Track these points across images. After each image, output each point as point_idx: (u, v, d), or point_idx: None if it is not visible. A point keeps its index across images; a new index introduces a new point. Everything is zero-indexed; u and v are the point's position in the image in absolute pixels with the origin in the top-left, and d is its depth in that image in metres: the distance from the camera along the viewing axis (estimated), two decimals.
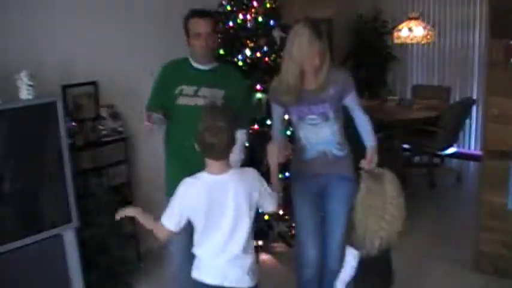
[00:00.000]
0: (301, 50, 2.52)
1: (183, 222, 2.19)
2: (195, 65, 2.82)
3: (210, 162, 2.18)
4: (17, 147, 2.81)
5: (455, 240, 4.10)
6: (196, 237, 2.23)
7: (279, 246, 3.99)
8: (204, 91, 2.77)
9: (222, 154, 2.16)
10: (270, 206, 2.31)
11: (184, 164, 2.75)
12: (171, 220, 2.17)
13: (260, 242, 3.84)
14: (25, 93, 2.89)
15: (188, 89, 2.77)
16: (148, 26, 3.92)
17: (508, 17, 3.22)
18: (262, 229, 3.77)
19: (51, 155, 2.93)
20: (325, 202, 2.83)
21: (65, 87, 3.44)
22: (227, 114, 2.19)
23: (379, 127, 5.16)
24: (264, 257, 3.94)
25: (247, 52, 3.65)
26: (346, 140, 2.79)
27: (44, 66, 3.25)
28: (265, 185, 2.29)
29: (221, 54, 3.75)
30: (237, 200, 2.15)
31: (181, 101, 2.77)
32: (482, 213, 3.51)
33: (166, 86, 2.81)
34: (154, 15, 3.96)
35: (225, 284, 2.20)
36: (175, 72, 2.85)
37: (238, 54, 3.67)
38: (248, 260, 2.24)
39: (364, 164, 2.62)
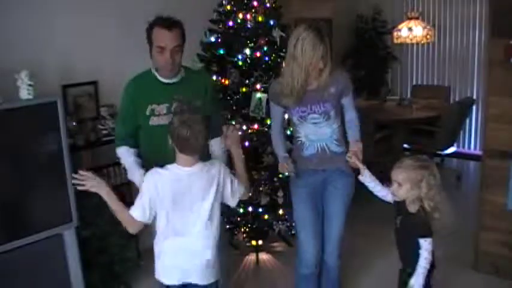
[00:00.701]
0: (306, 55, 2.55)
1: (152, 213, 2.19)
2: (162, 79, 2.61)
3: (181, 156, 2.20)
4: (17, 147, 2.81)
5: (455, 240, 4.09)
6: (160, 229, 2.23)
7: (279, 246, 3.99)
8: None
9: (195, 150, 2.18)
10: (232, 199, 2.36)
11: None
12: (139, 210, 2.17)
13: (260, 242, 3.84)
14: (25, 93, 2.89)
15: (160, 108, 2.58)
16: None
17: (508, 17, 3.22)
18: (262, 229, 3.77)
19: (52, 155, 2.93)
20: (324, 197, 2.86)
21: (65, 87, 3.44)
22: (198, 113, 2.20)
23: (379, 127, 5.22)
24: (264, 256, 3.94)
25: (247, 52, 3.64)
26: (344, 138, 2.83)
27: (44, 66, 3.25)
28: (232, 178, 2.33)
29: (221, 54, 3.75)
30: (201, 193, 2.20)
31: (155, 121, 2.59)
32: (483, 213, 3.51)
33: (136, 108, 2.61)
34: (154, 15, 3.95)
35: (185, 280, 2.24)
36: (141, 92, 2.62)
37: (238, 53, 3.67)
38: (208, 254, 2.25)
39: (349, 156, 2.66)
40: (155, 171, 2.21)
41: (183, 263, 2.25)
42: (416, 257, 2.35)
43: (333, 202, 2.83)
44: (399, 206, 2.47)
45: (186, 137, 2.12)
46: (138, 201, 2.19)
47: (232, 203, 2.38)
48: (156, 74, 2.62)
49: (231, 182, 2.33)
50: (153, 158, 2.51)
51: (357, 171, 2.70)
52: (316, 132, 2.74)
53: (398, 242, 2.53)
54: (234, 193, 2.35)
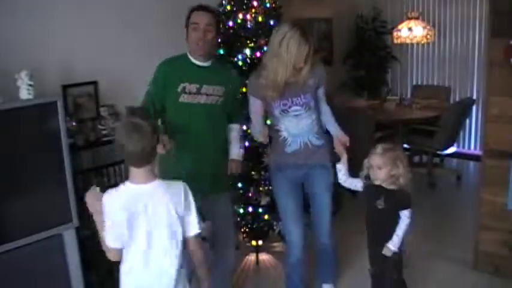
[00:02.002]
0: (290, 53, 2.65)
1: (121, 236, 2.01)
2: (195, 61, 2.81)
3: (132, 170, 2.02)
4: (17, 147, 2.81)
5: (456, 240, 4.10)
6: (123, 252, 2.07)
7: (279, 246, 3.98)
8: (207, 88, 2.79)
9: (144, 159, 1.99)
10: (189, 230, 2.11)
11: (185, 163, 2.75)
12: (110, 237, 2.01)
13: (260, 242, 3.84)
14: (25, 93, 2.89)
15: (191, 87, 2.77)
16: (149, 25, 3.92)
17: (508, 17, 3.22)
18: (262, 229, 3.77)
19: (51, 155, 2.93)
20: (308, 189, 3.03)
21: (65, 87, 3.44)
22: (147, 117, 2.04)
23: (379, 127, 5.22)
24: (264, 257, 3.94)
25: (247, 52, 3.64)
26: (322, 130, 2.97)
27: (44, 66, 3.25)
28: (192, 207, 2.12)
29: (221, 54, 3.75)
30: (159, 212, 2.00)
31: (184, 98, 2.77)
32: (482, 213, 3.51)
33: (168, 84, 2.79)
34: (154, 15, 3.96)
35: None
36: (175, 70, 2.82)
37: (238, 53, 3.66)
38: (172, 275, 2.07)
39: (336, 146, 2.88)
40: (109, 194, 2.01)
41: (147, 284, 2.09)
42: (394, 228, 2.63)
43: (320, 193, 3.00)
44: (377, 190, 2.66)
45: (131, 148, 1.95)
46: (107, 229, 2.01)
47: (189, 232, 2.12)
48: (190, 56, 2.81)
49: (192, 207, 2.12)
50: (178, 134, 2.73)
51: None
52: (297, 125, 2.83)
53: (379, 222, 2.70)
54: (186, 226, 2.10)
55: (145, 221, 2.00)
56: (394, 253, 2.63)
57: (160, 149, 2.43)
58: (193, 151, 2.79)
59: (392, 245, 2.62)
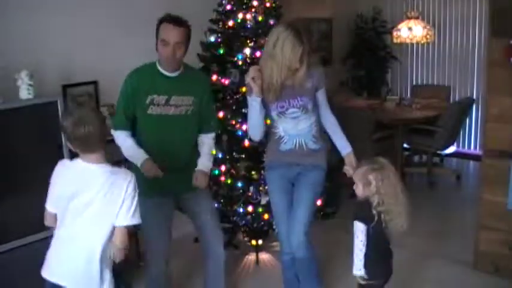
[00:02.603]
0: (285, 55, 2.63)
1: (59, 204, 2.16)
2: (164, 72, 2.75)
3: (84, 156, 2.14)
4: (17, 147, 2.81)
5: (455, 240, 4.10)
6: (58, 219, 2.20)
7: (279, 246, 3.98)
8: (175, 99, 2.76)
9: (94, 146, 2.11)
10: (123, 218, 2.16)
11: (161, 168, 2.74)
12: (51, 202, 2.19)
13: (260, 242, 3.84)
14: (25, 93, 2.89)
15: (159, 99, 2.73)
16: (149, 25, 3.89)
17: (508, 16, 3.22)
18: (262, 228, 3.77)
19: (51, 155, 2.92)
20: (295, 186, 2.96)
21: (65, 87, 3.44)
22: (94, 108, 2.24)
23: (379, 127, 5.22)
24: (264, 256, 3.94)
25: (247, 52, 3.64)
26: (321, 134, 2.92)
27: (44, 66, 3.25)
28: (131, 200, 2.17)
29: (221, 54, 3.75)
30: (101, 195, 2.10)
31: (153, 110, 2.73)
32: (482, 212, 3.51)
33: (136, 96, 2.74)
34: (154, 15, 3.94)
35: (58, 281, 2.15)
36: (143, 82, 2.75)
37: (238, 53, 3.67)
38: (96, 254, 2.14)
39: (348, 170, 2.77)
40: (63, 163, 2.21)
41: (63, 262, 2.18)
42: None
43: (301, 190, 2.91)
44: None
45: (83, 135, 2.05)
46: (50, 193, 2.19)
47: (122, 221, 2.16)
48: (159, 66, 2.75)
49: (131, 200, 2.17)
50: (148, 146, 2.74)
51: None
52: (295, 127, 2.82)
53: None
54: (126, 214, 2.16)
55: (83, 199, 2.10)
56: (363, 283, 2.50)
57: (148, 169, 2.63)
58: (164, 159, 2.76)
59: (354, 270, 2.48)
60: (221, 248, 3.02)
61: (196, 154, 2.94)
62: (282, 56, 2.63)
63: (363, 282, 2.51)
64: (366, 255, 2.47)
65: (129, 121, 2.79)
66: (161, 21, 2.69)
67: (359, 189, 2.53)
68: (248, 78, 2.69)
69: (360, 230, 2.47)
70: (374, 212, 2.45)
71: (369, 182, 2.46)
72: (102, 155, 2.15)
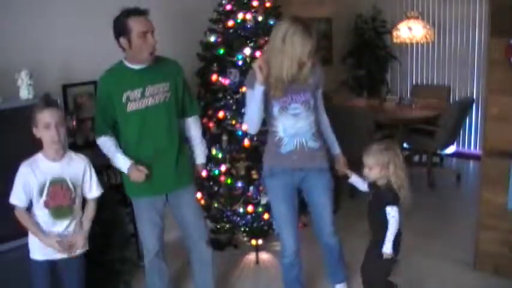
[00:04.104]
0: (295, 49, 2.62)
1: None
2: (132, 66, 2.75)
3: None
4: (17, 147, 2.80)
5: (455, 239, 4.10)
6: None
7: (279, 245, 3.98)
8: (150, 90, 2.75)
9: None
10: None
11: (147, 167, 2.80)
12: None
13: (260, 241, 3.84)
14: (25, 93, 2.89)
15: (134, 93, 2.73)
16: None
17: (508, 16, 3.22)
18: (262, 228, 3.77)
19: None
20: (306, 193, 2.99)
21: (65, 87, 3.44)
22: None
23: (379, 127, 5.22)
24: (264, 256, 3.94)
25: (247, 52, 3.64)
26: (319, 132, 2.95)
27: (44, 66, 3.25)
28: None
29: (221, 54, 3.75)
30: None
31: (131, 107, 2.73)
32: (482, 212, 3.51)
33: (112, 98, 2.74)
34: (154, 15, 3.95)
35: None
36: (115, 81, 2.76)
37: (238, 53, 3.67)
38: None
39: (339, 168, 3.01)
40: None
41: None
42: (385, 225, 2.63)
43: (319, 197, 2.97)
44: (370, 185, 2.80)
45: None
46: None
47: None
48: (126, 62, 2.76)
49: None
50: (134, 147, 2.80)
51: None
52: (295, 125, 2.79)
53: (369, 214, 2.79)
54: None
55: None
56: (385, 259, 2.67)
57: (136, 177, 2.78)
58: (152, 155, 2.81)
59: (386, 249, 2.64)
60: (207, 247, 3.04)
61: (185, 145, 2.99)
62: (293, 50, 2.62)
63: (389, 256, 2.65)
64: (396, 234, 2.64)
65: (109, 125, 2.80)
66: (126, 17, 2.66)
67: (374, 172, 2.66)
68: (255, 65, 2.64)
69: (395, 212, 2.61)
70: (397, 191, 2.63)
71: (387, 161, 2.62)
72: (61, 147, 2.55)
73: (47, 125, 2.43)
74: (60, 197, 2.51)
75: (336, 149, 3.04)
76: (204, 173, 3.14)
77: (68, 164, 2.56)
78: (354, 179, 2.94)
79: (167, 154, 2.85)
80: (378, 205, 2.68)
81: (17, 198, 2.51)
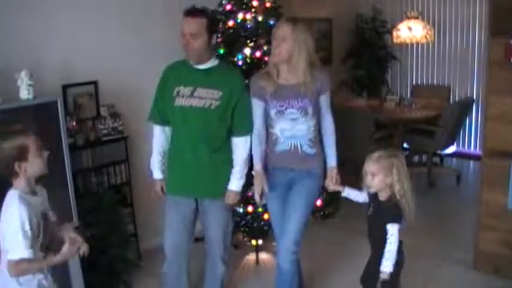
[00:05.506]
0: (309, 48, 2.70)
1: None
2: (192, 64, 2.77)
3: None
4: None
5: (455, 240, 4.10)
6: None
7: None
8: (200, 91, 2.73)
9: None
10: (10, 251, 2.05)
11: (181, 165, 2.83)
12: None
13: (260, 241, 3.84)
14: (25, 93, 2.89)
15: (185, 90, 2.75)
16: (149, 25, 3.91)
17: (508, 16, 3.22)
18: (262, 228, 3.77)
19: (52, 155, 2.92)
20: (288, 194, 2.89)
21: (65, 87, 3.43)
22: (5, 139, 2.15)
23: (379, 127, 5.22)
24: (264, 256, 3.94)
25: (247, 51, 3.64)
26: (318, 139, 2.88)
27: (44, 66, 3.25)
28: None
29: (221, 54, 3.75)
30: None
31: (178, 102, 2.76)
32: (482, 212, 3.51)
33: (166, 89, 2.81)
34: (154, 15, 3.95)
35: None
36: (173, 74, 2.83)
37: (238, 53, 3.66)
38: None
39: (329, 183, 2.83)
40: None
41: None
42: (385, 242, 2.46)
43: (294, 197, 2.83)
44: (371, 197, 2.61)
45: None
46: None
47: None
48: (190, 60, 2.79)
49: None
50: (175, 140, 2.86)
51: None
52: (292, 128, 2.77)
53: (369, 230, 2.63)
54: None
55: None
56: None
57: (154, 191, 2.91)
58: (185, 155, 2.80)
59: (384, 268, 2.45)
60: (220, 264, 3.02)
61: (227, 159, 2.85)
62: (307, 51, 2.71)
63: (387, 278, 2.46)
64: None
65: (160, 113, 2.87)
66: (183, 15, 2.73)
67: (378, 180, 2.50)
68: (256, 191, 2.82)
69: (395, 230, 2.44)
70: (401, 205, 2.48)
71: (391, 167, 2.47)
72: (25, 182, 2.22)
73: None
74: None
75: (331, 162, 2.87)
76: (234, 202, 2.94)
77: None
78: (348, 192, 2.78)
79: (200, 160, 2.79)
80: (379, 221, 2.51)
81: (27, 246, 2.00)
